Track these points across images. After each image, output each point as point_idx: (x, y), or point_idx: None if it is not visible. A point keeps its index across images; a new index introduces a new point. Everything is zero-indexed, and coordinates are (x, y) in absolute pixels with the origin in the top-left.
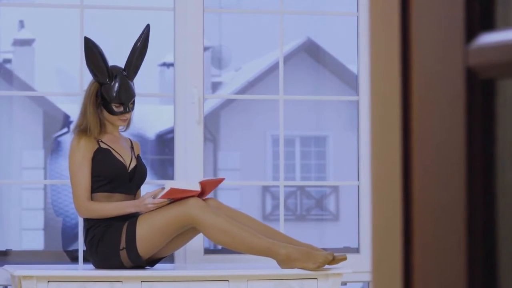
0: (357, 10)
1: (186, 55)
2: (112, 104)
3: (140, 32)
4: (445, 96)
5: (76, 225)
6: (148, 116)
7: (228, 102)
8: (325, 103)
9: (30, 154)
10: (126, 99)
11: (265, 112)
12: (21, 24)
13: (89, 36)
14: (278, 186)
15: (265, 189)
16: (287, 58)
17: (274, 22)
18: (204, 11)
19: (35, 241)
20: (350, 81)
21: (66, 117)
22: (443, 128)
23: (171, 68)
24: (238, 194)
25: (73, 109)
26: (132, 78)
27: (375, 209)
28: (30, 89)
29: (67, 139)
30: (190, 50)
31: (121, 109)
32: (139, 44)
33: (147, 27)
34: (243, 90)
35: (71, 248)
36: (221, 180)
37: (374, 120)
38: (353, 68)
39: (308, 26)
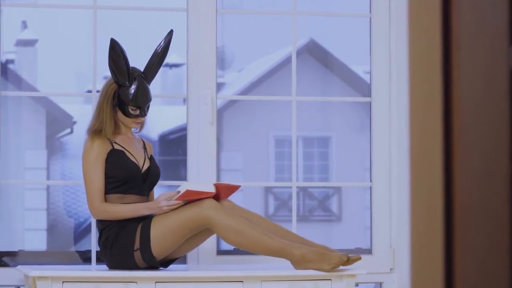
0: (370, 11)
1: (198, 56)
2: (129, 106)
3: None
4: (489, 97)
5: (79, 226)
6: (150, 117)
7: (230, 103)
8: (328, 104)
9: (33, 155)
10: (143, 103)
11: (268, 113)
12: (24, 24)
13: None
14: (281, 187)
15: (268, 190)
16: (290, 59)
17: (276, 23)
18: (217, 12)
19: (38, 242)
20: (353, 82)
21: (69, 118)
22: (486, 128)
23: (173, 69)
24: (241, 195)
25: (76, 109)
26: (149, 82)
27: (414, 210)
28: (33, 89)
29: (70, 140)
30: (202, 51)
31: (137, 112)
32: (160, 49)
33: (170, 32)
34: (246, 91)
35: (74, 248)
36: (237, 187)
37: (413, 122)
38: (356, 69)
39: (311, 27)
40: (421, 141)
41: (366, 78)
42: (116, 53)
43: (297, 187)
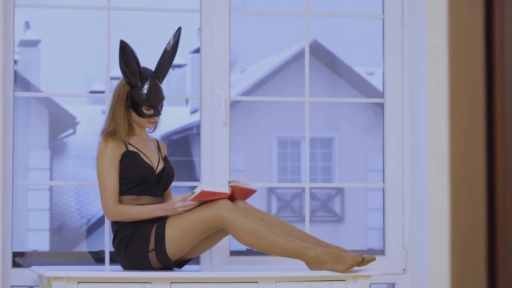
0: (383, 12)
1: (212, 57)
2: (142, 107)
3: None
4: None
5: (81, 226)
6: None
7: (233, 104)
8: (331, 105)
9: (36, 155)
10: (156, 102)
11: (270, 113)
12: (27, 25)
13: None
14: (283, 188)
15: (271, 190)
16: (293, 59)
17: (279, 24)
18: (230, 13)
19: (42, 242)
20: (356, 83)
21: (72, 118)
22: None
23: (176, 70)
24: None
25: (79, 110)
26: (161, 81)
27: (455, 212)
28: (36, 90)
29: (73, 140)
30: (216, 52)
31: (151, 112)
32: (170, 46)
33: (179, 30)
34: (249, 92)
35: (76, 249)
36: (253, 191)
37: (454, 121)
38: (359, 70)
39: (314, 28)
40: (462, 140)
41: (369, 79)
42: (126, 54)
43: (300, 188)
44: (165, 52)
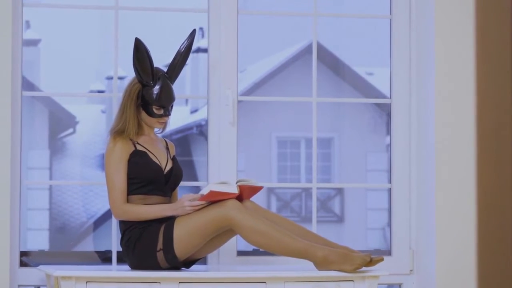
0: (390, 13)
1: (220, 57)
2: (153, 106)
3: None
4: None
5: (81, 226)
6: None
7: None
8: (332, 105)
9: (36, 154)
10: (167, 102)
11: (270, 113)
12: (27, 24)
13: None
14: (283, 188)
15: (270, 190)
16: (293, 59)
17: (278, 24)
18: (238, 13)
19: (41, 242)
20: (356, 83)
21: (72, 118)
22: None
23: None
24: None
25: (79, 109)
26: (173, 82)
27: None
28: (36, 89)
29: (72, 140)
30: (224, 52)
31: (161, 112)
32: (184, 48)
33: (193, 32)
34: (249, 92)
35: (75, 249)
36: (260, 188)
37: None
38: (358, 70)
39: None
40: (490, 141)
41: (369, 79)
42: (140, 52)
43: (301, 188)
44: (179, 53)
